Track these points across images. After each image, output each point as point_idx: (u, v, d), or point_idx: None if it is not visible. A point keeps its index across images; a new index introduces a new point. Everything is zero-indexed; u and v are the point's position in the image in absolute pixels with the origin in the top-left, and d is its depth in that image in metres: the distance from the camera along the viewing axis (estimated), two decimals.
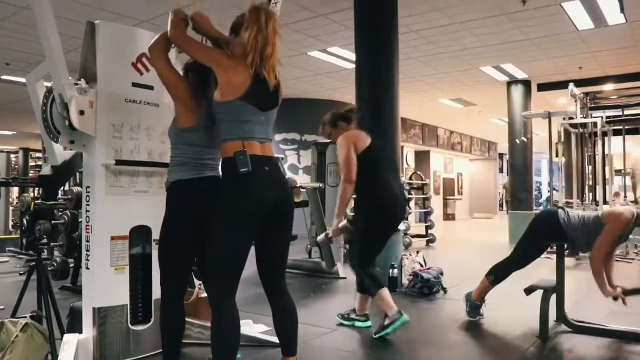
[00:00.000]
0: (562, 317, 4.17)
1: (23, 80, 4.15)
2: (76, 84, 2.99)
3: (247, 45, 2.48)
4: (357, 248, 4.19)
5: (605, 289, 3.97)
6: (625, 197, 11.56)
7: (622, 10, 5.88)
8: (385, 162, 4.21)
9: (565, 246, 4.19)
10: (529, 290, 4.07)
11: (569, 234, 4.05)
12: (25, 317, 3.17)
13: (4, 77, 11.02)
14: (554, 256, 4.23)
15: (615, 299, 3.98)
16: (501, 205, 26.08)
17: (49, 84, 3.13)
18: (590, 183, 9.97)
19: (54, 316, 3.29)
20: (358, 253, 4.15)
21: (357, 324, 4.39)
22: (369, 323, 4.37)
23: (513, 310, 4.75)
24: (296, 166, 13.76)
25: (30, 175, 15.93)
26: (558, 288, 4.12)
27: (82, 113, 2.95)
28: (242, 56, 2.50)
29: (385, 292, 3.99)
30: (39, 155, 16.27)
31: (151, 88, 3.29)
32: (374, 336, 3.99)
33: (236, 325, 2.48)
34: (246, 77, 2.48)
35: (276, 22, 2.56)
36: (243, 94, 2.46)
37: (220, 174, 2.63)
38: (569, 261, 6.08)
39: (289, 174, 11.96)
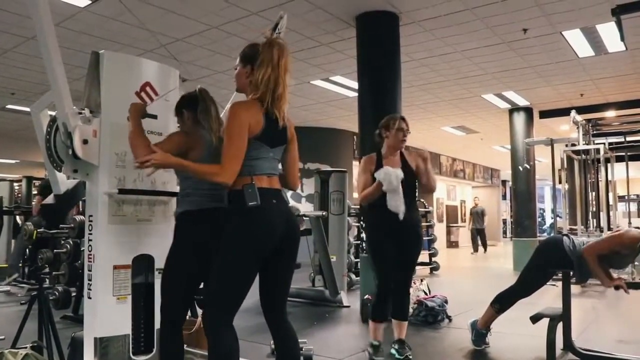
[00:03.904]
0: (569, 345, 4.11)
1: (27, 109, 4.16)
2: (80, 113, 3.00)
3: (259, 84, 2.48)
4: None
5: (605, 280, 3.92)
6: (630, 223, 11.50)
7: (622, 38, 5.92)
8: None
9: (571, 273, 4.15)
10: (535, 318, 4.02)
11: (574, 261, 4.02)
12: (26, 347, 3.14)
13: (9, 106, 11.12)
14: (559, 283, 4.19)
15: (617, 287, 3.92)
16: (504, 233, 26.00)
17: (53, 113, 3.14)
18: (594, 209, 9.93)
19: (54, 346, 3.26)
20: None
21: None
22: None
23: (519, 339, 4.70)
24: (299, 194, 13.74)
25: (33, 203, 15.87)
26: (564, 316, 4.07)
27: (85, 142, 2.95)
28: (254, 96, 2.51)
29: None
30: None
31: (154, 117, 3.29)
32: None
33: (236, 352, 2.45)
34: (260, 117, 2.47)
35: (288, 58, 2.52)
36: (258, 133, 2.46)
37: (228, 205, 2.62)
38: (574, 288, 6.02)
39: (291, 202, 11.95)
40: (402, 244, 3.97)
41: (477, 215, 18.88)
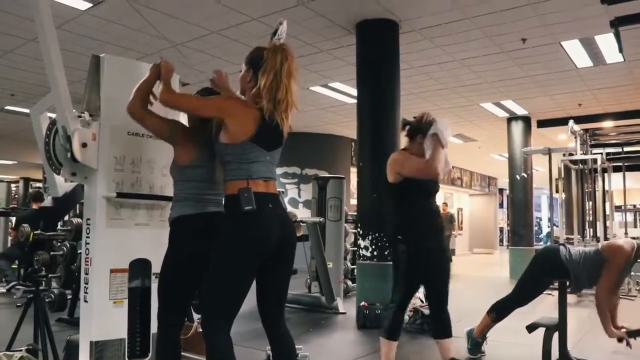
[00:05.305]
0: (564, 355, 4.11)
1: (26, 110, 4.16)
2: (79, 116, 3.00)
3: (262, 90, 2.48)
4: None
5: (609, 329, 3.91)
6: (626, 233, 11.52)
7: (620, 49, 5.95)
8: None
9: (567, 283, 4.15)
10: (531, 328, 4.02)
11: (571, 270, 4.02)
12: (21, 350, 3.13)
13: (8, 107, 11.11)
14: (556, 293, 4.20)
15: (620, 340, 3.91)
16: (501, 241, 26.02)
17: (52, 115, 3.15)
18: (591, 219, 9.95)
19: (49, 349, 3.25)
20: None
21: None
22: None
23: (515, 348, 4.69)
24: (296, 200, 13.74)
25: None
26: (560, 325, 4.07)
27: (84, 145, 2.95)
28: (252, 99, 2.53)
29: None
30: (39, 184, 16.24)
31: None
32: None
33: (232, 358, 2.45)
34: (255, 120, 2.48)
35: (292, 62, 2.53)
36: (251, 136, 2.47)
37: (224, 209, 2.62)
38: (570, 298, 6.01)
39: (288, 208, 11.94)
40: (440, 252, 3.66)
41: (446, 221, 17.48)
